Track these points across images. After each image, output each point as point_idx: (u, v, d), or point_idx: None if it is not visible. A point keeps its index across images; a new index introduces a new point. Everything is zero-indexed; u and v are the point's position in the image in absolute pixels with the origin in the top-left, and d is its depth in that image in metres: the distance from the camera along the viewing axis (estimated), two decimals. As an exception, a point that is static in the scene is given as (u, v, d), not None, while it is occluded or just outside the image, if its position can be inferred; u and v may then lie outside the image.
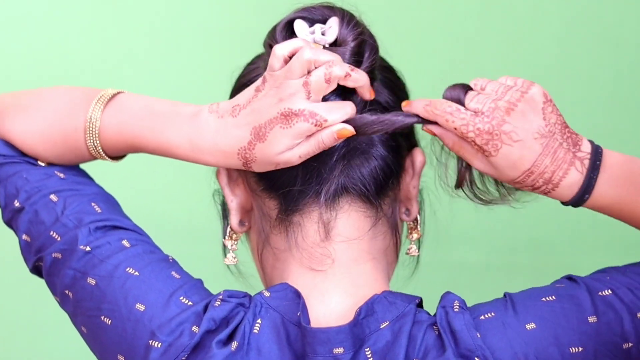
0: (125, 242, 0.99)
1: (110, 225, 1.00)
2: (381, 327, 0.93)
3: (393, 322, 0.93)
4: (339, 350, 0.93)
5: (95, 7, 1.89)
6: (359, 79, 0.93)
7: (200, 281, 0.99)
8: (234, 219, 1.02)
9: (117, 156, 1.04)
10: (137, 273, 0.96)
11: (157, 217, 1.91)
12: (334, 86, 0.93)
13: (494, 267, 1.96)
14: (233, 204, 1.01)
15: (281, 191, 0.97)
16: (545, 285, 0.99)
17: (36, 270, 1.04)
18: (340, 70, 0.93)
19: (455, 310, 0.94)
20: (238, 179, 1.01)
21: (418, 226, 1.03)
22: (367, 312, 0.94)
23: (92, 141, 1.01)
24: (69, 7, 1.88)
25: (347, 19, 0.95)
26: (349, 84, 0.93)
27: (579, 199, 0.97)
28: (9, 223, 1.04)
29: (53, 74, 1.86)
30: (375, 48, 0.96)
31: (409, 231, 1.03)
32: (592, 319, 0.93)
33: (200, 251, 1.75)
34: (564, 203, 0.98)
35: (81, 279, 0.97)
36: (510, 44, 1.94)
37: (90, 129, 1.00)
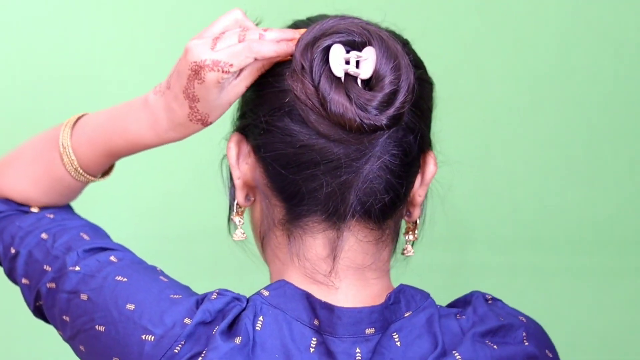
0: (112, 258, 1.00)
1: (98, 247, 1.02)
2: (405, 315, 0.96)
3: (416, 312, 0.96)
4: (370, 331, 0.95)
5: (96, 8, 1.89)
6: (275, 37, 0.95)
7: (188, 287, 0.99)
8: (240, 195, 1.01)
9: (102, 174, 1.06)
10: (125, 279, 0.98)
11: (160, 219, 1.91)
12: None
13: (494, 267, 1.96)
14: (239, 181, 1.01)
15: (287, 203, 0.97)
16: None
17: (39, 312, 1.05)
18: (254, 34, 0.94)
19: (490, 302, 1.00)
20: (248, 156, 1.00)
21: (417, 229, 1.03)
22: (395, 299, 0.96)
23: (70, 164, 1.04)
24: (70, 8, 1.88)
25: (387, 52, 0.92)
26: (265, 50, 0.94)
27: None
28: (10, 275, 1.08)
29: (53, 76, 1.86)
30: (408, 90, 0.92)
31: (406, 230, 1.03)
32: None
33: (203, 252, 1.75)
34: None
35: (74, 298, 0.99)
36: (510, 44, 1.94)
37: (66, 154, 1.03)
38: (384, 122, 0.91)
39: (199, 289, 1.01)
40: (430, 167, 1.00)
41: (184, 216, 1.89)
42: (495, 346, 0.96)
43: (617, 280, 1.97)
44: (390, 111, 0.91)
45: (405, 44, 1.00)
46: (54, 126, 1.08)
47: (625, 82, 1.95)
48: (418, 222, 1.03)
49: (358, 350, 0.94)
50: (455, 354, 0.94)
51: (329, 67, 0.91)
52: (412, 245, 1.03)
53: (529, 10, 1.94)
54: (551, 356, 1.02)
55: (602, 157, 1.97)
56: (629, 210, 1.98)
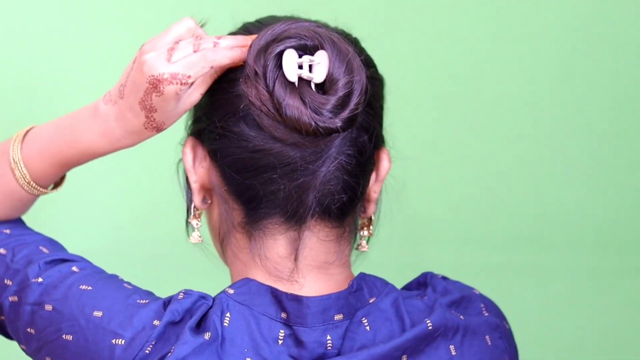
0: (74, 268, 1.01)
1: (59, 259, 1.02)
2: (370, 302, 0.97)
3: (380, 298, 0.98)
4: (339, 317, 0.96)
5: (96, 9, 1.89)
6: (228, 45, 0.95)
7: (151, 292, 1.00)
8: (197, 198, 1.02)
9: (54, 185, 1.07)
10: (90, 288, 0.98)
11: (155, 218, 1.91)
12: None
13: (494, 267, 1.96)
14: (196, 185, 1.01)
15: (245, 206, 0.98)
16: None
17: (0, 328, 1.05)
18: (208, 43, 0.95)
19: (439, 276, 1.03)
20: (204, 160, 1.01)
21: (371, 225, 1.04)
22: (358, 286, 0.98)
23: (22, 179, 1.04)
24: (71, 9, 1.88)
25: (339, 56, 0.93)
26: (220, 58, 0.95)
27: None
28: None
29: (53, 77, 1.86)
30: (361, 92, 0.93)
31: (361, 226, 1.04)
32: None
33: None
34: None
35: (39, 310, 0.99)
36: (511, 44, 1.94)
37: (17, 168, 1.04)
38: (339, 124, 0.91)
39: (168, 289, 1.02)
40: (384, 163, 1.01)
41: (176, 219, 1.89)
42: (461, 316, 0.98)
43: (617, 280, 1.98)
44: (345, 114, 0.92)
45: (355, 43, 1.00)
46: (1, 141, 1.08)
47: (626, 83, 1.95)
48: (373, 218, 1.04)
49: (329, 337, 0.96)
50: (427, 322, 0.96)
51: (283, 73, 0.92)
52: (367, 241, 1.04)
53: (528, 11, 1.94)
54: (508, 327, 1.03)
55: (602, 157, 1.97)
56: (629, 210, 1.99)
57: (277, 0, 1.14)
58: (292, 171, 0.94)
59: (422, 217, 1.85)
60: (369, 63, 0.99)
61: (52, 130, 1.04)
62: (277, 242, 0.98)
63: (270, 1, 1.21)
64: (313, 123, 0.91)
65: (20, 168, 1.04)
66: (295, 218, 0.96)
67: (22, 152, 1.04)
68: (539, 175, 1.97)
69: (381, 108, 1.01)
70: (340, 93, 0.92)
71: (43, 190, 1.06)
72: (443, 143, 1.92)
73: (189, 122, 1.02)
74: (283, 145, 0.93)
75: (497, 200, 1.97)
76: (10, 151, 1.05)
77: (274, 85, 0.91)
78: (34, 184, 1.05)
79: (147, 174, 1.81)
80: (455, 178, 1.93)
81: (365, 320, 0.96)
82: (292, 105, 0.91)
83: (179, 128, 1.03)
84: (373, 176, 1.01)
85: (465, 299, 1.01)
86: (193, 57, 0.94)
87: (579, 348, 1.96)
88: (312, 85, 0.92)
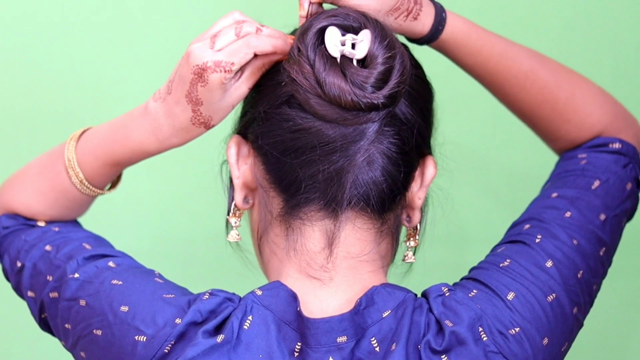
0: (111, 264, 1.01)
1: (98, 254, 1.03)
2: (384, 316, 0.95)
3: (395, 310, 0.95)
4: (342, 339, 0.95)
5: (97, 7, 1.89)
6: (271, 34, 0.95)
7: (184, 288, 1.00)
8: (239, 196, 1.02)
9: (108, 186, 1.07)
10: (120, 282, 0.99)
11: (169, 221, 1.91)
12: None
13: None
14: (238, 181, 1.01)
15: (286, 193, 0.97)
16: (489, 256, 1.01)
17: (45, 324, 1.06)
18: (251, 27, 0.95)
19: (447, 294, 0.97)
20: (248, 157, 1.01)
21: (417, 235, 1.03)
22: (367, 302, 0.96)
23: (75, 177, 1.05)
24: (71, 8, 1.88)
25: (381, 34, 0.94)
26: (263, 45, 0.94)
27: (435, 29, 1.05)
28: (17, 289, 1.08)
29: (53, 77, 1.86)
30: (404, 72, 0.93)
31: (407, 237, 1.03)
32: (548, 264, 0.96)
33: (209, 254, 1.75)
34: (424, 37, 1.06)
35: (74, 305, 1.00)
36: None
37: (71, 167, 1.04)
38: (381, 100, 0.92)
39: (202, 290, 1.01)
40: (429, 169, 1.01)
41: (189, 218, 1.89)
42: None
43: (617, 280, 1.98)
44: (386, 90, 0.92)
45: (406, 47, 1.01)
46: (59, 143, 1.08)
47: (625, 83, 1.95)
48: (418, 227, 1.03)
49: (331, 359, 0.94)
50: None
51: (325, 47, 0.93)
52: (414, 252, 1.03)
53: (529, 11, 1.94)
54: (516, 332, 0.96)
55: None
56: (629, 210, 1.98)
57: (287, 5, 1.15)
58: (331, 152, 0.94)
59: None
60: (417, 65, 1.01)
61: (106, 129, 1.05)
62: (314, 232, 0.97)
63: (275, 3, 1.21)
64: (354, 97, 0.91)
65: (73, 166, 1.05)
66: (334, 203, 0.95)
67: (77, 152, 1.05)
68: (539, 174, 1.97)
69: (428, 112, 1.01)
70: (381, 68, 0.92)
71: (96, 190, 1.06)
72: (442, 143, 1.92)
73: (235, 122, 1.03)
74: (323, 123, 0.93)
75: (497, 199, 1.97)
76: (65, 150, 1.05)
77: (314, 60, 0.92)
78: (86, 183, 1.05)
79: (157, 175, 1.81)
80: (454, 179, 1.93)
81: (374, 340, 0.94)
82: (333, 79, 0.91)
83: (223, 129, 1.03)
84: (418, 182, 1.00)
85: (453, 342, 0.94)
86: (236, 45, 0.94)
87: (579, 348, 1.96)
88: (354, 62, 0.92)
